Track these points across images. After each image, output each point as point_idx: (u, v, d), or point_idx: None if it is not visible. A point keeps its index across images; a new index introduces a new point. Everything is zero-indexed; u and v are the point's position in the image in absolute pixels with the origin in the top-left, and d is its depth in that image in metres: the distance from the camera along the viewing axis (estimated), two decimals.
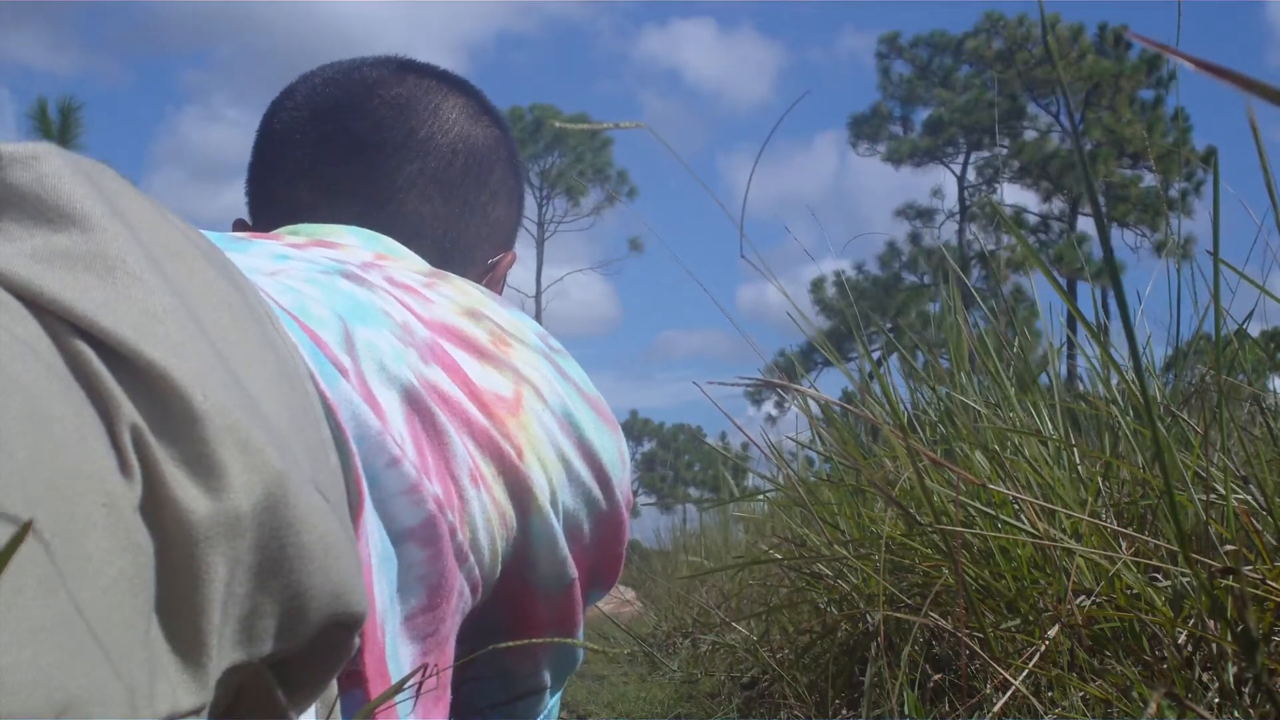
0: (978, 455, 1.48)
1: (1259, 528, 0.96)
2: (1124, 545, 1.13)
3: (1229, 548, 0.97)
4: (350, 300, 0.73)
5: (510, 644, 0.79)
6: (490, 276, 1.05)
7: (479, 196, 1.01)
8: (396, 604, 0.66)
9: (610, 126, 0.94)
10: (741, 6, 55.87)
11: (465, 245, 1.01)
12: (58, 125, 13.48)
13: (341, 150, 0.97)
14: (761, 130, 49.55)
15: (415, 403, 0.70)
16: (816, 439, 1.96)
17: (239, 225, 1.03)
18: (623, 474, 0.85)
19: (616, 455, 0.84)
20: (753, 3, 55.24)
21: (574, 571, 0.81)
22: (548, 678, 0.89)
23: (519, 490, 0.75)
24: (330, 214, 0.96)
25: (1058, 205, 25.86)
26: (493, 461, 0.74)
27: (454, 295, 0.82)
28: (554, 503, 0.78)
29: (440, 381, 0.73)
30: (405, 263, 0.87)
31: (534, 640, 0.80)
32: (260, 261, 0.75)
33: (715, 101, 55.28)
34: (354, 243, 0.89)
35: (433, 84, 1.02)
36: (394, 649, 0.66)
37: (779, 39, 56.19)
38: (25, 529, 0.32)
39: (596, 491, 0.82)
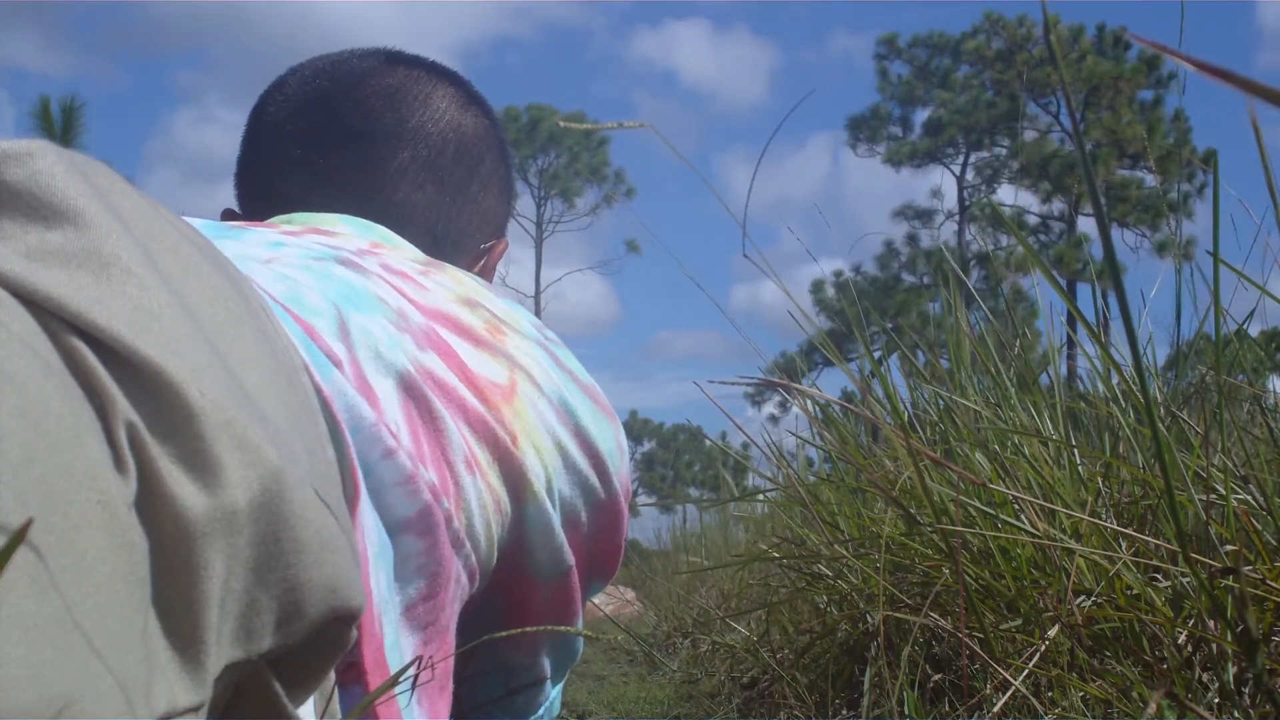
0: (978, 455, 1.48)
1: (1259, 528, 0.96)
2: (1124, 545, 1.13)
3: (1229, 548, 0.97)
4: (345, 286, 0.73)
5: (509, 632, 0.79)
6: (483, 264, 1.05)
7: (470, 185, 1.01)
8: (395, 595, 0.66)
9: (615, 126, 0.94)
10: (735, 7, 55.82)
11: (457, 233, 1.01)
12: (60, 124, 13.47)
13: (333, 140, 0.97)
14: (756, 131, 49.60)
15: (411, 389, 0.70)
16: (817, 438, 1.96)
17: (228, 216, 1.02)
18: (621, 464, 0.85)
19: (614, 445, 0.84)
20: (747, 3, 55.20)
21: (570, 558, 0.81)
22: (547, 667, 0.89)
23: (514, 476, 0.75)
24: (322, 204, 0.96)
25: (1058, 206, 25.85)
26: (488, 447, 0.74)
27: (449, 283, 0.82)
28: (550, 490, 0.78)
29: (436, 367, 0.73)
30: (400, 251, 0.87)
31: (533, 629, 0.80)
32: (255, 249, 0.75)
33: (710, 102, 55.16)
34: (348, 231, 0.89)
35: (422, 74, 1.02)
36: (395, 640, 0.66)
37: (773, 39, 56.11)
38: (24, 529, 0.31)
39: (594, 480, 0.82)
